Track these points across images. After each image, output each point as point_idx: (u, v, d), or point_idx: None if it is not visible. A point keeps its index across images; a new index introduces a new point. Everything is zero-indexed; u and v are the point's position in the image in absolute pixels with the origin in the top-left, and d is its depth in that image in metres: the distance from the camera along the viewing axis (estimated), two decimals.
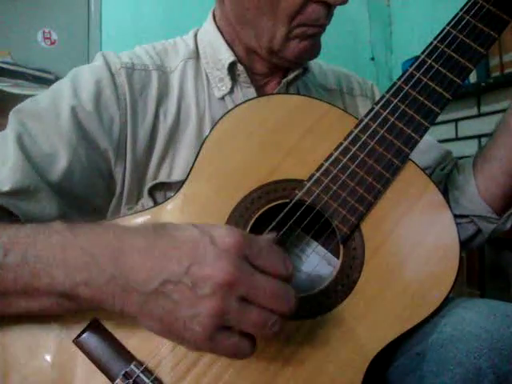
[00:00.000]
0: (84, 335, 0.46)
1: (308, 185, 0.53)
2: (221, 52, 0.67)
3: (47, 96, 0.60)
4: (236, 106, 0.57)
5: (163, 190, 0.63)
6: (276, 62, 0.67)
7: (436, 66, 0.56)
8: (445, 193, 0.72)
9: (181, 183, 0.54)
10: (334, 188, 0.52)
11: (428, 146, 0.74)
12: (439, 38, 0.57)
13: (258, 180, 0.53)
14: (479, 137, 1.75)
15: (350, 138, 0.54)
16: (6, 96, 1.60)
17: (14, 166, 0.53)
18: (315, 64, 0.79)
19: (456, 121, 1.84)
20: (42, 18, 1.97)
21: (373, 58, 2.37)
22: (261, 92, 0.69)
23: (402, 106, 0.55)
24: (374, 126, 0.55)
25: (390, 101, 0.55)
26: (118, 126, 0.61)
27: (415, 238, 0.52)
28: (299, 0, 0.59)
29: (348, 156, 0.54)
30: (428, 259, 0.51)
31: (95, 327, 0.46)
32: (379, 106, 0.55)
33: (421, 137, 0.54)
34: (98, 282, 0.40)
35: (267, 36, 0.62)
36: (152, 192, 0.63)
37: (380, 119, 0.55)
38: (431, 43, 0.57)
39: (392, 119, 0.55)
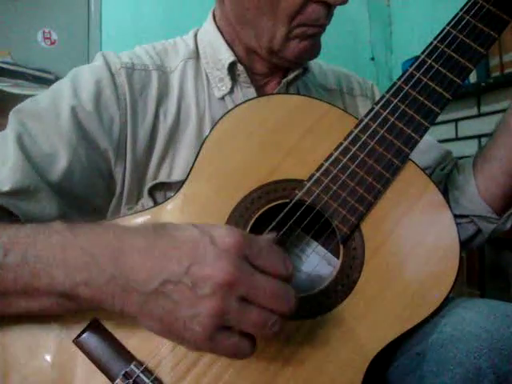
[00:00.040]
0: (84, 335, 0.46)
1: (308, 185, 0.53)
2: (221, 52, 0.67)
3: (47, 96, 0.60)
4: (236, 105, 0.57)
5: (163, 190, 0.63)
6: (276, 61, 0.67)
7: (436, 66, 0.56)
8: (445, 193, 0.72)
9: (181, 183, 0.54)
10: (334, 188, 0.52)
11: (428, 146, 0.74)
12: (439, 38, 0.57)
13: (258, 180, 0.53)
14: (479, 137, 1.75)
15: (350, 138, 0.54)
16: (5, 96, 1.60)
17: (14, 166, 0.53)
18: (315, 64, 0.79)
19: (456, 121, 1.84)
20: (42, 18, 1.97)
21: (373, 58, 2.37)
22: (261, 92, 0.69)
23: (402, 106, 0.55)
24: (374, 126, 0.55)
25: (390, 101, 0.55)
26: (118, 125, 0.61)
27: (415, 238, 0.52)
28: (299, 0, 0.59)
29: (348, 156, 0.54)
30: (428, 259, 0.51)
31: (95, 327, 0.46)
32: (379, 106, 0.55)
33: (421, 137, 0.54)
34: (98, 282, 0.40)
35: (267, 36, 0.62)
36: (152, 192, 0.63)
37: (380, 119, 0.55)
38: (431, 43, 0.57)
39: (392, 119, 0.55)
